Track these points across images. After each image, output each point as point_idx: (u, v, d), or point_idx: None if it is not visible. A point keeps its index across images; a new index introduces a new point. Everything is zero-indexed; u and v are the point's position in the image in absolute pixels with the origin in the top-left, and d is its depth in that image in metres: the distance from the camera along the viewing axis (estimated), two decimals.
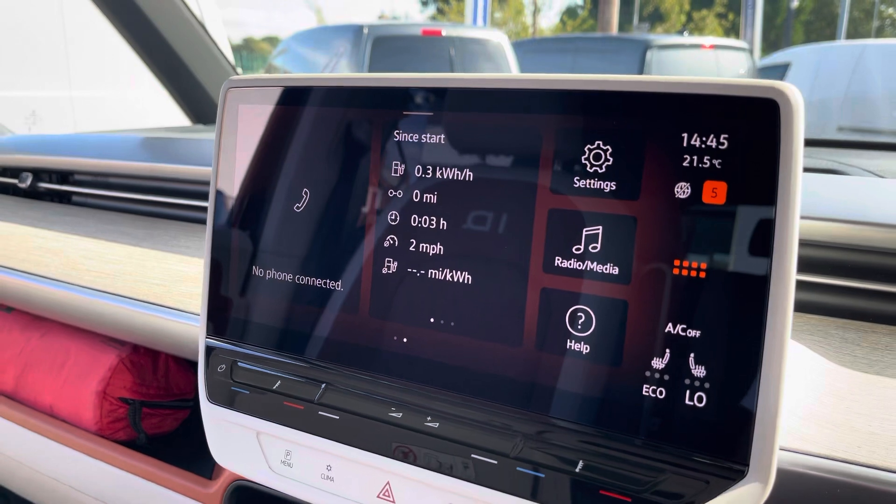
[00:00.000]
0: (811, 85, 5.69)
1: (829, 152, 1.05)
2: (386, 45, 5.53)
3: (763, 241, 0.38)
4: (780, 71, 6.00)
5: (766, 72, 6.48)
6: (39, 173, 1.14)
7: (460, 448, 0.46)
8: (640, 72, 6.07)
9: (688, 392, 0.40)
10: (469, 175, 0.47)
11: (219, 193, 0.57)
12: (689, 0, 20.72)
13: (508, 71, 5.71)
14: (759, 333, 0.38)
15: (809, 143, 1.14)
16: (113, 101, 3.90)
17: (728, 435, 0.39)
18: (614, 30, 12.02)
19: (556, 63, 6.90)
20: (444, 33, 5.73)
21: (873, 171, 0.90)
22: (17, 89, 3.56)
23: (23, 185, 1.14)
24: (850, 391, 0.49)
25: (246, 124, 0.56)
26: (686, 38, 7.41)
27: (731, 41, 8.31)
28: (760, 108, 0.38)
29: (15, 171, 1.17)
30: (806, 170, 0.87)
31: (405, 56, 5.56)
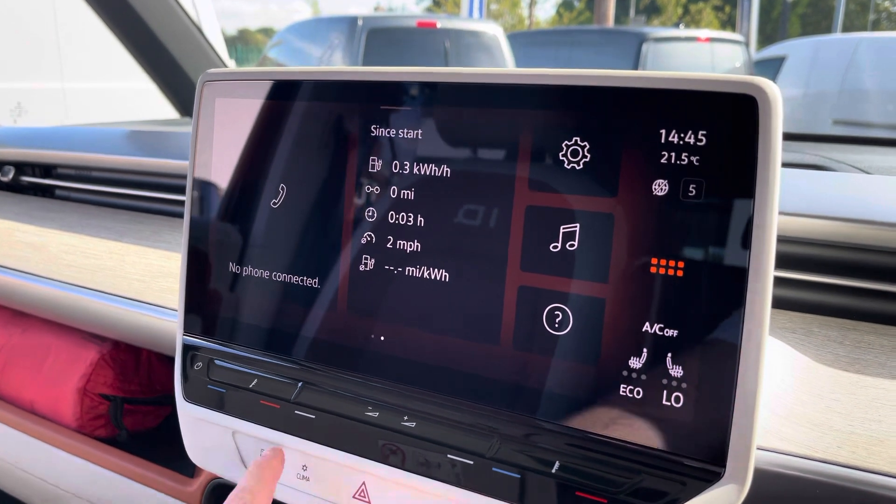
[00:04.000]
0: (807, 78, 5.68)
1: (817, 147, 1.04)
2: (381, 36, 5.49)
3: (741, 239, 0.37)
4: (775, 64, 5.99)
5: (761, 65, 6.46)
6: (22, 167, 1.13)
7: (437, 448, 0.45)
8: (636, 65, 6.04)
9: (665, 392, 0.39)
10: (447, 171, 0.46)
11: (195, 188, 0.56)
12: None
13: (504, 64, 5.68)
14: (736, 333, 0.38)
15: (798, 137, 1.13)
16: (110, 94, 3.84)
17: (705, 436, 0.39)
18: (610, 22, 11.97)
19: (551, 55, 6.86)
20: (439, 25, 5.69)
21: (861, 166, 0.89)
22: (2, 80, 3.51)
23: (5, 179, 1.13)
24: (831, 390, 0.48)
25: (223, 118, 0.55)
26: (682, 31, 7.38)
27: (727, 34, 8.29)
28: (738, 104, 0.37)
29: None
30: (791, 165, 0.86)
31: (400, 48, 5.52)
